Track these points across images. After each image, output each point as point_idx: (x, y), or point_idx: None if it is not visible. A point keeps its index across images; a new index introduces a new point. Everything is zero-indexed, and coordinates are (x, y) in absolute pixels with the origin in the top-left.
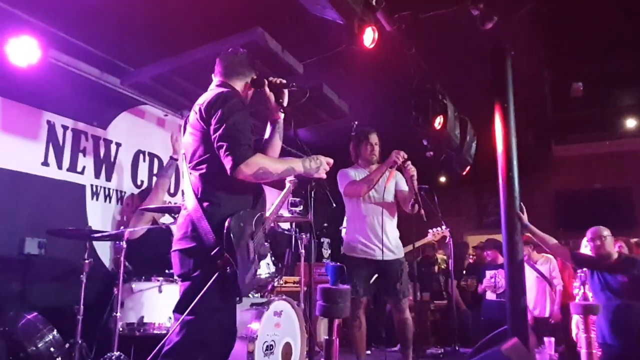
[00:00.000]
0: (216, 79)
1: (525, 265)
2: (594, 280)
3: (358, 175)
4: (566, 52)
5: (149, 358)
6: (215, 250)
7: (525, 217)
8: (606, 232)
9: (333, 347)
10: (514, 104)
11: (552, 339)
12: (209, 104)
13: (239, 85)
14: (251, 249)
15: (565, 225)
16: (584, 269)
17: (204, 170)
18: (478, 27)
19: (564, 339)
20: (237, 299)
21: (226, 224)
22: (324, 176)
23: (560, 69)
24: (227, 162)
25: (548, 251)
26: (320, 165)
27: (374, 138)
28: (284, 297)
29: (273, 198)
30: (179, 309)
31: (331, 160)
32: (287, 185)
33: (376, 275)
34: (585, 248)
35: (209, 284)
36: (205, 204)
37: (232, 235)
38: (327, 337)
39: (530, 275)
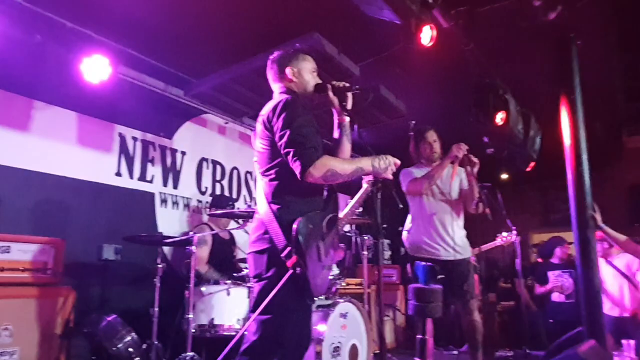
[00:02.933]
0: (276, 85)
1: (603, 262)
2: None
3: (420, 173)
4: (637, 38)
5: (222, 354)
6: (286, 252)
7: (599, 217)
8: None
9: (427, 346)
10: (581, 95)
11: (632, 342)
12: (271, 113)
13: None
14: (322, 250)
15: None
16: None
17: (273, 176)
18: (539, 18)
19: None
20: (312, 300)
21: (294, 225)
22: (391, 177)
23: (631, 55)
24: (296, 167)
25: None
26: (388, 165)
27: (431, 135)
28: (349, 298)
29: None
30: (255, 308)
31: (398, 161)
32: (364, 185)
33: (442, 276)
34: None
35: (280, 283)
36: (275, 207)
37: (300, 236)
38: (420, 336)
39: (607, 273)
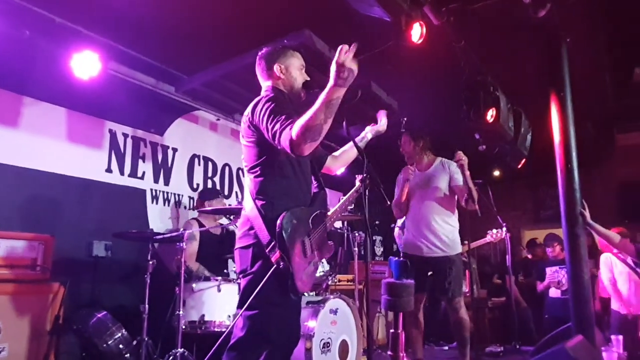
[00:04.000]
0: (264, 84)
1: (616, 259)
2: None
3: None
4: (627, 36)
5: (212, 351)
6: (270, 247)
7: (587, 214)
8: None
9: (399, 340)
10: (571, 92)
11: (620, 337)
12: (252, 111)
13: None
14: (307, 246)
15: (631, 218)
16: None
17: (258, 173)
18: (530, 15)
19: None
20: (296, 295)
21: (278, 221)
22: (355, 70)
23: (621, 53)
24: (284, 144)
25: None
26: (349, 67)
27: (403, 140)
28: (339, 295)
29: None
30: (241, 304)
31: (343, 53)
32: (357, 183)
33: (430, 272)
34: None
35: (265, 278)
36: (260, 204)
37: (283, 231)
38: (393, 331)
39: (623, 271)
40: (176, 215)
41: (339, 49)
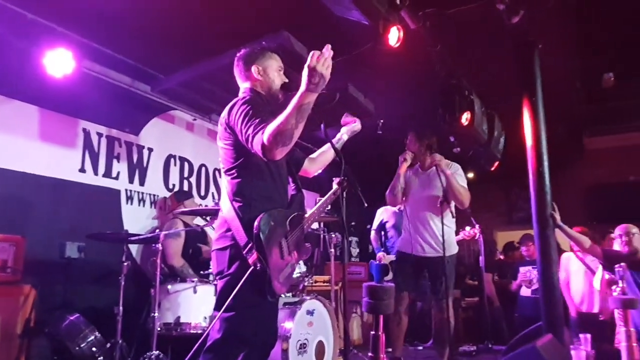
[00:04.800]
0: (242, 85)
1: (574, 257)
2: (626, 277)
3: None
4: (596, 43)
5: (190, 354)
6: (247, 248)
7: (558, 216)
8: (635, 229)
9: (379, 341)
10: (542, 97)
11: (589, 335)
12: (228, 113)
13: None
14: (285, 248)
15: (599, 219)
16: (622, 264)
17: (235, 174)
18: (504, 22)
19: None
20: (274, 296)
21: (256, 222)
22: (328, 76)
23: (590, 59)
24: (256, 148)
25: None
26: (322, 72)
27: (409, 139)
28: (316, 296)
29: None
30: (217, 306)
31: (315, 58)
32: (334, 186)
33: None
34: (616, 243)
35: (242, 280)
36: (237, 205)
37: (261, 233)
38: (373, 332)
39: (579, 269)
40: (152, 215)
41: (310, 54)
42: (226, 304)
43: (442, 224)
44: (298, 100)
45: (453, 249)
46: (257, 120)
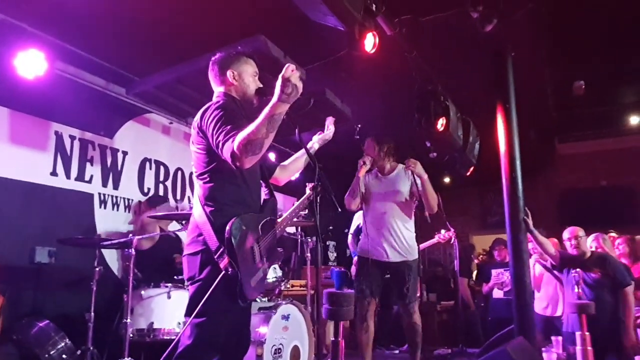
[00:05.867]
0: (216, 90)
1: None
2: (570, 277)
3: (368, 179)
4: (568, 51)
5: None
6: (218, 253)
7: (530, 221)
8: (582, 232)
9: (339, 348)
10: (515, 104)
11: (560, 338)
12: (200, 118)
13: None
14: (257, 252)
15: (571, 224)
16: (577, 270)
17: (207, 179)
18: (478, 29)
19: None
20: (245, 301)
21: (227, 227)
22: (301, 87)
23: (562, 67)
24: (226, 155)
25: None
26: (295, 83)
27: (367, 144)
28: (291, 300)
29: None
30: (188, 312)
31: (289, 70)
32: (307, 191)
33: (387, 276)
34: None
35: (214, 285)
36: (208, 210)
37: (232, 237)
38: (333, 339)
39: (541, 273)
40: (126, 220)
41: (286, 66)
42: (197, 309)
43: (406, 228)
44: (270, 110)
45: (416, 254)
46: (228, 127)
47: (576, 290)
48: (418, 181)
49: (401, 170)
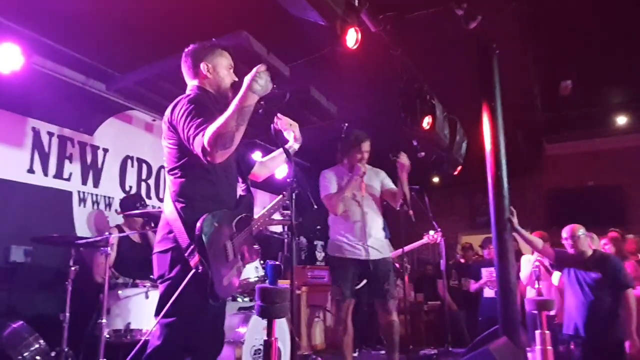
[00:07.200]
0: (190, 83)
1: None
2: (571, 277)
3: (338, 179)
4: (554, 51)
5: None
6: (189, 251)
7: (515, 220)
8: (580, 231)
9: (272, 348)
10: (502, 103)
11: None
12: (170, 112)
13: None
14: (230, 250)
15: (559, 224)
16: (537, 265)
17: (178, 174)
18: (461, 27)
19: None
20: (216, 300)
21: (198, 223)
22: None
23: (549, 67)
24: (197, 150)
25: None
26: (267, 78)
27: (366, 146)
28: None
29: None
30: (158, 311)
31: (264, 67)
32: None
33: (365, 281)
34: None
35: (183, 283)
36: (179, 206)
37: (203, 235)
38: (266, 339)
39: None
40: (107, 218)
41: (257, 67)
42: (165, 308)
43: (380, 227)
44: (239, 101)
45: (390, 251)
46: (199, 121)
47: (536, 286)
48: (389, 181)
49: (371, 170)
